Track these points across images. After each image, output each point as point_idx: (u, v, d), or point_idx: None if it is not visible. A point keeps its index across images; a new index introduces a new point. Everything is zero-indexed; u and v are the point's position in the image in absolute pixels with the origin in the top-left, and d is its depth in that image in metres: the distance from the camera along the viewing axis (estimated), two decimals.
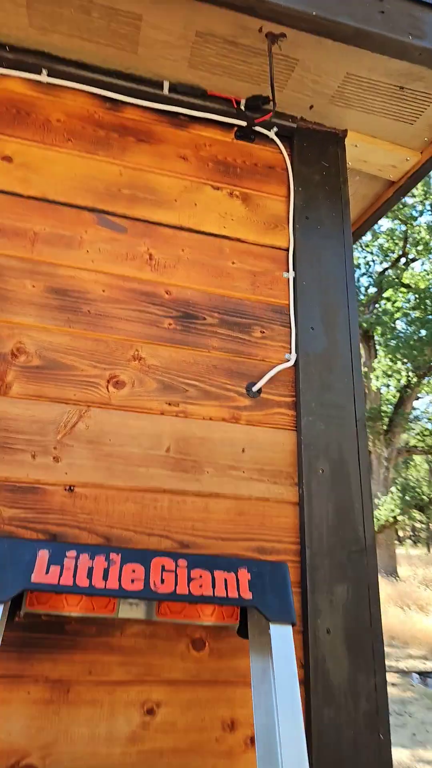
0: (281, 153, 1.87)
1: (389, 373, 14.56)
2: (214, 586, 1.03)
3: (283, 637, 1.01)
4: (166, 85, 1.75)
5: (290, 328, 1.62)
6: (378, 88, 1.76)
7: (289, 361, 1.57)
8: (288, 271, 1.70)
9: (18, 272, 1.44)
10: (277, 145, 1.88)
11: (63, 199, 1.56)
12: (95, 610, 1.06)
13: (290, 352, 1.59)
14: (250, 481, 1.41)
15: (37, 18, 1.56)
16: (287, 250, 1.73)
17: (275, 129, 1.87)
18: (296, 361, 1.57)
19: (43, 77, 1.68)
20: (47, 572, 0.95)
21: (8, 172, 1.54)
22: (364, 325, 14.98)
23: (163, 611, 1.10)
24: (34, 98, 1.67)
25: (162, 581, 1.00)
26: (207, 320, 1.56)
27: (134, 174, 1.67)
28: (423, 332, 13.80)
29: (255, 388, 1.51)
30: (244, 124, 1.84)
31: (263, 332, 1.60)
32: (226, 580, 1.05)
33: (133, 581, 0.98)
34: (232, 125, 1.85)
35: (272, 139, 1.88)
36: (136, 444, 1.36)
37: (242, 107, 1.82)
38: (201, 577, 1.03)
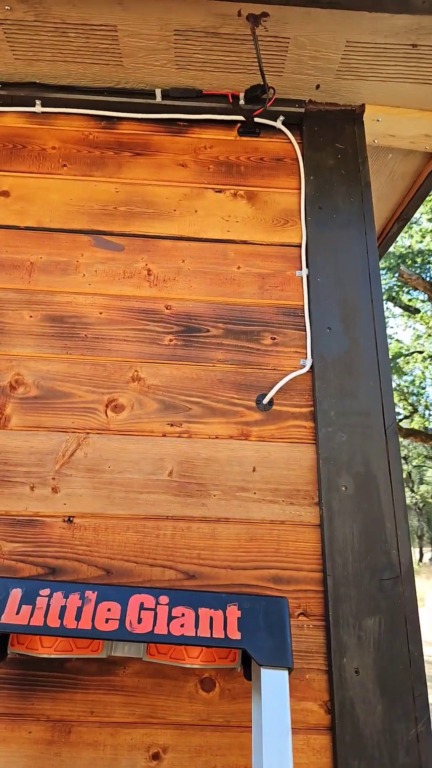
0: (290, 142, 1.78)
1: None
2: (197, 626, 0.97)
3: (275, 683, 0.92)
4: (158, 92, 1.74)
5: (305, 331, 1.52)
6: (387, 51, 1.62)
7: (304, 367, 1.47)
8: (301, 269, 1.60)
9: (16, 304, 1.49)
10: (285, 134, 1.79)
11: (58, 226, 1.60)
12: (75, 651, 1.04)
13: (306, 358, 1.49)
14: (262, 502, 1.33)
15: (20, 49, 1.62)
16: (299, 246, 1.64)
17: (281, 118, 1.79)
18: (312, 366, 1.47)
19: (38, 108, 1.74)
20: (18, 612, 0.95)
21: (5, 206, 1.60)
22: None
23: (151, 651, 1.05)
24: (30, 130, 1.73)
25: (139, 621, 0.96)
26: (211, 332, 1.51)
27: (131, 189, 1.67)
28: None
29: (265, 401, 1.43)
30: (244, 118, 1.78)
31: (274, 338, 1.51)
32: (211, 619, 0.98)
33: (107, 621, 0.95)
34: (233, 122, 1.80)
35: (280, 130, 1.79)
36: (136, 469, 1.34)
37: (242, 101, 1.76)
38: (183, 615, 0.98)
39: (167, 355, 1.47)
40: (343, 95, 1.80)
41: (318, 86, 1.76)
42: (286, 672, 0.94)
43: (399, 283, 11.83)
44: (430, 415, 13.02)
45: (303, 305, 1.55)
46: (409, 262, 11.21)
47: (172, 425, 1.39)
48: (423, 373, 12.24)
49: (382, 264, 10.36)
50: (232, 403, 1.43)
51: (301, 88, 1.77)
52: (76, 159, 1.70)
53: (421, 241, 10.94)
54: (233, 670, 1.16)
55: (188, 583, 1.24)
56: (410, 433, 10.98)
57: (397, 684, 1.17)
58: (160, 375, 1.44)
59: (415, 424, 12.52)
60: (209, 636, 0.96)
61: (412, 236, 11.01)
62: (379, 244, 2.65)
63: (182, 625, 0.97)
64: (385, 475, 1.35)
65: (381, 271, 2.78)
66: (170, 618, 0.97)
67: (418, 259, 11.20)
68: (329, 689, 1.17)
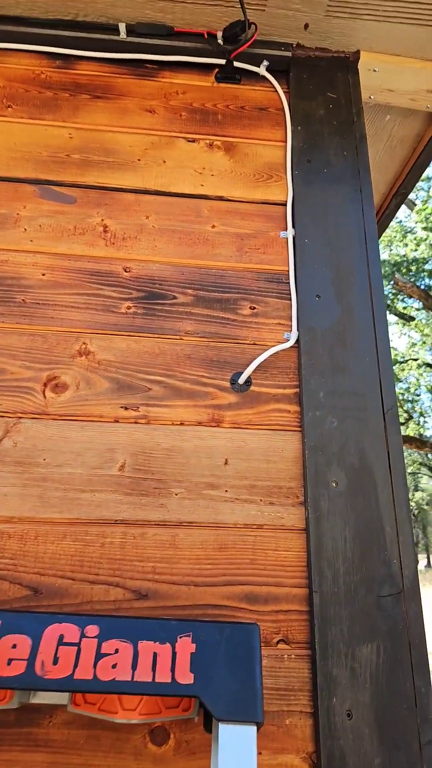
0: (276, 91, 1.55)
1: None
2: (134, 666, 0.72)
3: (238, 743, 0.67)
4: (122, 27, 1.50)
5: (290, 299, 1.28)
6: None
7: (288, 341, 1.23)
8: (286, 230, 1.37)
9: None
10: (269, 82, 1.56)
11: None
12: None
13: (291, 330, 1.25)
14: (236, 502, 1.08)
15: None
16: (284, 204, 1.40)
17: (266, 63, 1.56)
18: (298, 339, 1.23)
19: None
20: None
21: None
22: None
23: (77, 700, 0.79)
24: None
25: (55, 661, 0.70)
26: (178, 299, 1.26)
27: (87, 135, 1.43)
28: None
29: (241, 380, 1.18)
30: (224, 62, 1.55)
31: (254, 308, 1.27)
32: (155, 656, 0.73)
33: (10, 662, 0.69)
34: (210, 67, 1.57)
35: (263, 77, 1.56)
36: (79, 462, 1.09)
37: (219, 41, 1.53)
38: (117, 651, 0.72)
39: (124, 325, 1.22)
40: (335, 39, 1.57)
41: (306, 26, 1.53)
42: (254, 728, 0.69)
43: (394, 291, 11.72)
44: (425, 422, 12.87)
45: (288, 270, 1.31)
46: (404, 270, 11.11)
47: (126, 408, 1.14)
48: (417, 380, 12.11)
49: None
50: (201, 383, 1.18)
51: (288, 28, 1.54)
52: (24, 100, 1.45)
53: (415, 250, 10.86)
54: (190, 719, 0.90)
55: (139, 605, 0.99)
56: (405, 440, 10.83)
57: (400, 729, 0.92)
58: (114, 348, 1.19)
59: (410, 431, 12.38)
60: (150, 680, 0.71)
61: (407, 245, 10.92)
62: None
63: (114, 666, 0.71)
64: (383, 468, 1.11)
65: None
66: (99, 656, 0.72)
67: (413, 267, 11.11)
68: (315, 737, 0.92)
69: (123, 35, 1.51)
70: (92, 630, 0.73)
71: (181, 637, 0.76)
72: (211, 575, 1.02)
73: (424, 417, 12.63)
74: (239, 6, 1.45)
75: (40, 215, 1.32)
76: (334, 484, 1.09)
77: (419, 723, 0.93)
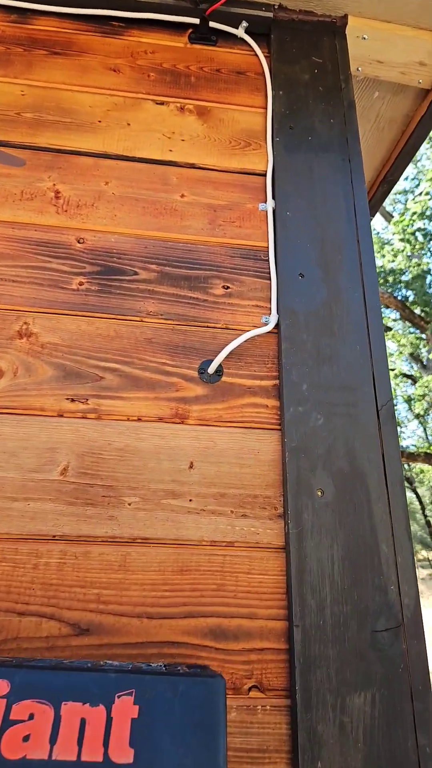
0: (255, 54, 1.39)
1: None
2: (54, 739, 0.52)
3: None
4: None
5: (269, 279, 1.10)
6: None
7: (267, 325, 1.05)
8: (265, 202, 1.19)
9: None
10: (248, 45, 1.40)
11: None
12: None
13: (270, 313, 1.07)
14: (202, 514, 0.89)
15: None
16: (264, 174, 1.23)
17: (245, 24, 1.39)
18: (278, 323, 1.05)
19: None
20: None
21: None
22: None
23: None
24: None
25: None
26: (139, 275, 1.07)
27: (42, 93, 1.24)
28: None
29: (211, 369, 1.00)
30: (198, 21, 1.38)
31: (227, 287, 1.09)
32: (83, 723, 0.53)
33: None
34: (184, 27, 1.40)
35: (242, 39, 1.40)
36: (12, 465, 0.89)
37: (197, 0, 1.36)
38: (31, 717, 0.53)
39: (74, 304, 1.03)
40: (323, 1, 1.42)
41: None
42: None
43: None
44: (401, 432, 12.81)
45: (267, 246, 1.14)
46: (381, 281, 11.10)
47: (73, 400, 0.95)
48: (394, 390, 12.07)
49: None
50: (164, 372, 0.99)
51: None
52: None
53: (393, 261, 10.86)
54: None
55: (78, 643, 0.79)
56: None
57: None
58: (62, 330, 1.00)
59: None
60: (75, 759, 0.51)
61: (384, 256, 10.92)
62: None
63: (26, 739, 0.51)
64: (378, 474, 0.93)
65: None
66: (6, 724, 0.52)
67: (390, 278, 11.11)
68: None
69: None
70: (1, 686, 0.53)
71: (120, 696, 0.56)
72: (170, 605, 0.83)
73: (401, 427, 12.58)
74: None
75: None
76: (319, 493, 0.90)
77: None
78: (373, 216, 2.25)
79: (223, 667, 0.80)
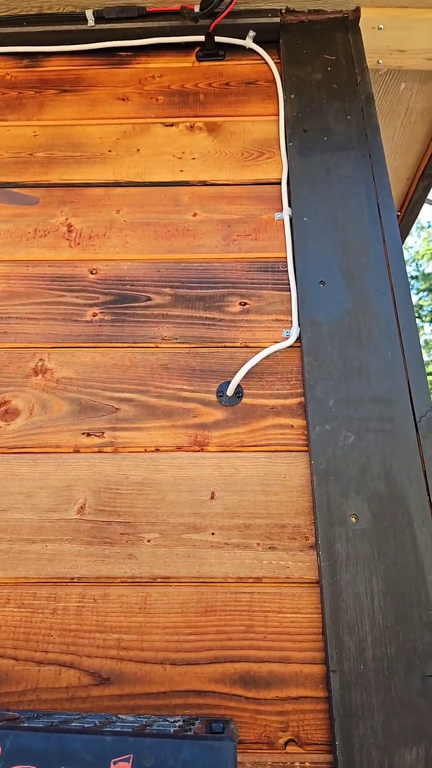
0: (265, 62, 1.34)
1: None
2: None
3: None
4: (89, 15, 1.34)
5: (289, 290, 1.03)
6: None
7: (287, 339, 0.98)
8: (281, 210, 1.13)
9: None
10: (258, 54, 1.35)
11: None
12: None
13: (291, 326, 1.00)
14: (225, 548, 0.82)
15: None
16: (279, 183, 1.17)
17: (252, 34, 1.35)
18: (299, 337, 0.97)
19: None
20: None
21: None
22: None
23: None
24: None
25: None
26: (153, 300, 1.04)
27: (53, 131, 1.26)
28: None
29: (229, 391, 0.94)
30: (203, 39, 1.35)
31: (245, 304, 1.03)
32: None
33: None
34: (191, 45, 1.38)
35: (251, 50, 1.35)
36: (29, 505, 0.86)
37: (197, 16, 1.34)
38: None
39: (88, 336, 1.01)
40: None
41: None
42: None
43: None
44: None
45: (286, 256, 1.07)
46: None
47: (89, 435, 0.91)
48: None
49: None
50: (181, 398, 0.94)
51: None
52: None
53: None
54: None
55: (98, 693, 0.74)
56: None
57: None
58: (76, 363, 0.98)
59: None
60: None
61: None
62: (402, 214, 2.15)
63: None
64: (420, 494, 0.82)
65: None
66: None
67: None
68: None
69: (91, 23, 1.35)
70: None
71: (116, 763, 0.51)
72: (194, 649, 0.76)
73: None
74: None
75: None
76: (353, 520, 0.81)
77: None
78: (418, 213, 2.12)
79: (254, 719, 0.72)
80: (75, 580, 0.81)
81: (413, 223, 2.19)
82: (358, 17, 1.37)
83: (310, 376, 0.92)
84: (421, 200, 2.08)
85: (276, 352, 0.96)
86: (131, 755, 0.51)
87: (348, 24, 1.37)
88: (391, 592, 0.76)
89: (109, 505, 0.86)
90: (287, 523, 0.84)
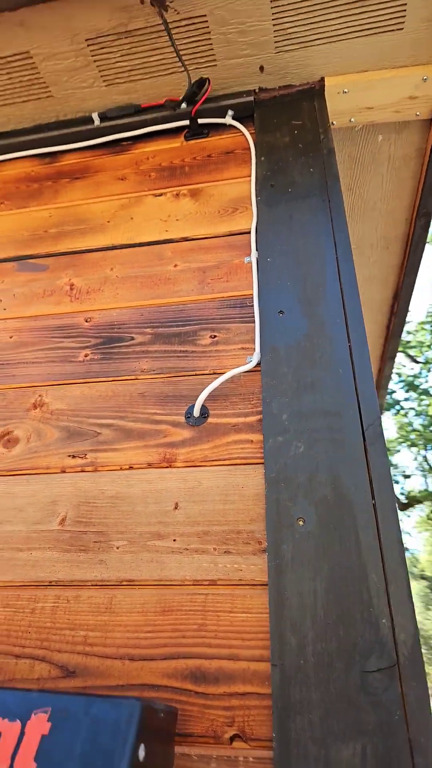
0: (243, 134, 1.48)
1: None
2: None
3: None
4: (95, 116, 1.56)
5: (254, 321, 1.10)
6: (321, 5, 1.30)
7: (249, 363, 1.03)
8: (251, 255, 1.22)
9: None
10: (237, 129, 1.50)
11: None
12: None
13: (254, 353, 1.06)
14: (184, 553, 0.86)
15: None
16: (249, 232, 1.26)
17: (231, 113, 1.51)
18: (260, 362, 1.03)
19: None
20: None
21: None
22: None
23: None
24: None
25: None
26: (135, 340, 1.14)
27: (64, 212, 1.44)
28: None
29: (196, 412, 1.00)
30: (187, 122, 1.52)
31: (214, 336, 1.11)
32: None
33: None
34: (180, 130, 1.55)
35: (231, 126, 1.51)
36: (20, 519, 0.95)
37: (184, 105, 1.51)
38: None
39: (80, 373, 1.12)
40: (295, 72, 1.49)
41: (262, 68, 1.47)
42: None
43: None
44: None
45: (252, 293, 1.15)
46: None
47: (74, 457, 1.00)
48: None
49: None
50: (154, 421, 1.01)
51: (245, 75, 1.50)
52: (15, 195, 1.52)
53: None
54: None
55: (65, 684, 0.78)
56: None
57: None
58: (68, 397, 1.09)
59: None
60: None
61: None
62: (407, 254, 2.17)
63: None
64: (365, 498, 0.83)
65: None
66: None
67: None
68: None
69: (97, 122, 1.56)
70: None
71: (36, 713, 0.55)
72: (151, 646, 0.79)
73: None
74: (193, 65, 1.43)
75: (15, 286, 1.31)
76: (300, 523, 0.83)
77: None
78: (422, 254, 2.14)
79: (203, 713, 0.73)
80: (53, 584, 0.87)
81: (419, 262, 2.20)
82: (323, 86, 1.49)
83: (266, 394, 0.97)
84: (423, 238, 2.10)
85: (240, 375, 1.02)
86: (50, 707, 0.55)
87: (315, 93, 1.49)
88: (334, 591, 0.76)
89: (86, 516, 0.93)
90: (242, 529, 0.87)
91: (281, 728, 0.68)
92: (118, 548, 0.89)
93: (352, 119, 1.58)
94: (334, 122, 1.58)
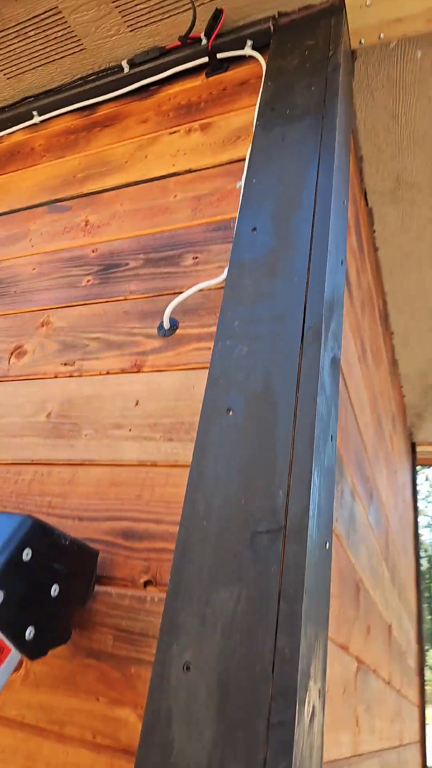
0: (260, 64, 1.55)
1: None
2: None
3: None
4: (124, 64, 1.73)
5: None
6: None
7: (218, 278, 1.15)
8: (242, 179, 1.31)
9: None
10: (256, 59, 1.57)
11: (21, 205, 1.65)
12: None
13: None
14: (136, 440, 1.03)
15: (5, 68, 1.80)
16: (245, 159, 1.36)
17: (250, 43, 1.58)
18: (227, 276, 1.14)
19: (36, 119, 1.89)
20: None
21: None
22: None
23: None
24: (28, 139, 1.88)
25: None
26: (129, 265, 1.31)
27: (91, 158, 1.65)
28: None
29: (165, 324, 1.15)
30: (206, 59, 1.63)
31: (196, 257, 1.24)
32: None
33: None
34: (203, 67, 1.66)
35: (251, 57, 1.59)
36: (18, 413, 1.19)
37: (203, 41, 1.62)
38: None
39: (81, 297, 1.32)
40: None
41: None
42: None
43: None
44: None
45: (236, 216, 1.25)
46: None
47: (65, 365, 1.21)
48: None
49: None
50: (131, 334, 1.19)
51: (263, 2, 1.55)
52: (56, 147, 1.77)
53: None
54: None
55: None
56: None
57: (247, 699, 0.70)
58: (69, 317, 1.30)
59: None
60: None
61: None
62: None
63: None
64: (290, 391, 0.92)
65: None
66: None
67: None
68: (150, 693, 0.77)
69: (126, 70, 1.73)
70: None
71: None
72: (97, 510, 0.98)
73: None
74: (215, 3, 1.53)
75: (43, 226, 1.55)
76: (229, 413, 0.94)
77: (273, 695, 0.70)
78: None
79: (126, 562, 0.90)
80: (33, 462, 1.10)
81: None
82: (341, 3, 1.49)
83: (225, 305, 1.08)
84: None
85: (210, 292, 1.14)
86: None
87: (334, 10, 1.50)
88: (246, 467, 0.87)
89: (66, 412, 1.14)
90: (186, 420, 1.01)
91: (177, 573, 0.82)
92: (85, 436, 1.08)
93: (382, 35, 1.55)
94: (363, 40, 1.57)
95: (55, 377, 1.21)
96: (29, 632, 0.72)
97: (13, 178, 1.77)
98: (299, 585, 0.75)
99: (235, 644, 0.74)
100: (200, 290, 1.13)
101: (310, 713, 0.72)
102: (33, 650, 0.73)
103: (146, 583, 0.87)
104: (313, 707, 0.74)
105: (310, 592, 0.76)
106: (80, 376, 1.18)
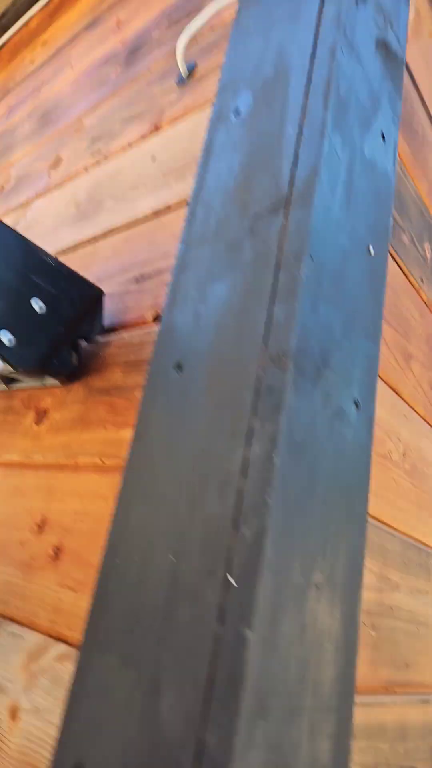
0: None
1: None
2: None
3: None
4: None
5: None
6: None
7: None
8: None
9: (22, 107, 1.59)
10: None
11: (64, 41, 1.63)
12: None
13: None
14: (151, 193, 0.95)
15: None
16: None
17: None
18: None
19: None
20: None
21: None
22: None
23: None
24: None
25: None
26: (153, 36, 1.22)
27: None
28: None
29: (182, 70, 1.03)
30: None
31: None
32: None
33: None
34: None
35: None
36: (53, 214, 1.19)
37: None
38: None
39: (109, 90, 1.26)
40: None
41: None
42: None
43: None
44: None
45: None
46: None
47: (93, 154, 1.18)
48: None
49: None
50: (152, 98, 1.10)
51: None
52: None
53: None
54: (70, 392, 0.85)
55: None
56: None
57: (234, 381, 0.60)
58: (98, 114, 1.25)
59: None
60: None
61: None
62: None
63: None
64: (304, 62, 0.76)
65: None
66: None
67: None
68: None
69: None
70: None
71: None
72: (111, 270, 0.94)
73: None
74: None
75: (82, 48, 1.51)
76: (233, 117, 0.82)
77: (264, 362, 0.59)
78: None
79: (137, 304, 0.85)
80: (66, 250, 1.09)
81: None
82: None
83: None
84: None
85: (228, 20, 1.00)
86: None
87: None
88: (250, 161, 0.75)
89: (92, 196, 1.10)
90: (199, 154, 0.90)
91: (175, 281, 0.74)
92: (107, 208, 1.03)
93: None
94: None
95: (86, 171, 1.18)
96: (7, 338, 0.71)
97: (57, 23, 1.76)
98: (301, 258, 0.62)
99: (227, 334, 0.64)
100: (217, 15, 0.99)
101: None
102: (13, 357, 0.71)
103: (156, 318, 0.81)
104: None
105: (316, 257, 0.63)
106: (106, 159, 1.13)
